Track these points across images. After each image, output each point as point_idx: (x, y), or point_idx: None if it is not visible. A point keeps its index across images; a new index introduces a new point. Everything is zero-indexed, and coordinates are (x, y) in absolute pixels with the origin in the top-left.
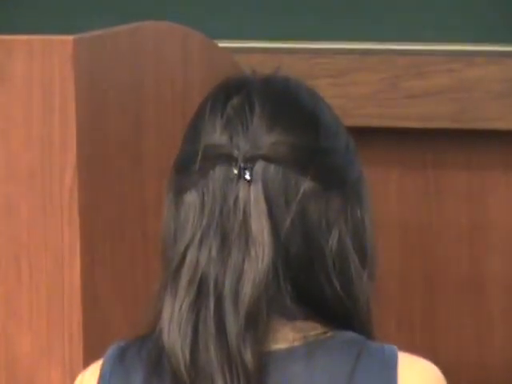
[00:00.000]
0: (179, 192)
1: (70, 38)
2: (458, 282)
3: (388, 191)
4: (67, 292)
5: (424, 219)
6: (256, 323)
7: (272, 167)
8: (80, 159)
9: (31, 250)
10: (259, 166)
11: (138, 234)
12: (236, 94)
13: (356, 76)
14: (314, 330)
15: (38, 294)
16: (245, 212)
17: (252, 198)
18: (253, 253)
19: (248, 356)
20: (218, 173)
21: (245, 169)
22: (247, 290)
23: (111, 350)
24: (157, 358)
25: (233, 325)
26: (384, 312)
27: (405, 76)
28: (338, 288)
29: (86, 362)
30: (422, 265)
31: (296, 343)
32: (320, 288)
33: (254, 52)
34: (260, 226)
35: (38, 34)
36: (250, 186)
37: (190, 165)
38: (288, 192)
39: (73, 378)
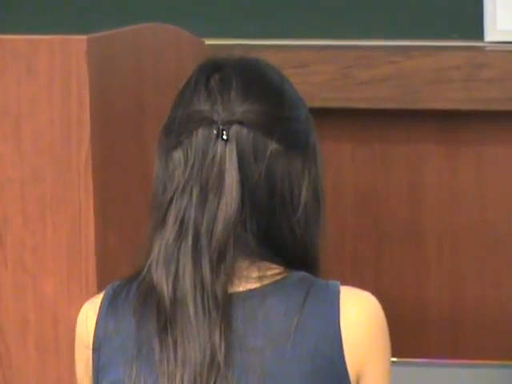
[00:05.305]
0: (167, 151)
1: (84, 37)
2: (400, 232)
3: (343, 161)
4: (83, 244)
5: (372, 183)
6: (225, 259)
7: (244, 130)
8: (93, 135)
9: (54, 210)
10: (234, 128)
11: (140, 197)
12: (216, 72)
13: (316, 67)
14: (270, 270)
15: (60, 245)
16: (220, 166)
17: (227, 154)
18: (224, 199)
19: (219, 287)
20: (200, 133)
21: (223, 130)
22: (219, 228)
23: (108, 290)
24: (145, 290)
25: (207, 258)
26: (340, 258)
27: (355, 66)
28: (297, 234)
29: None
30: (370, 220)
31: (253, 284)
32: (280, 233)
33: (232, 48)
34: (231, 178)
35: (57, 33)
36: (226, 144)
37: (177, 127)
38: (257, 151)
39: None
